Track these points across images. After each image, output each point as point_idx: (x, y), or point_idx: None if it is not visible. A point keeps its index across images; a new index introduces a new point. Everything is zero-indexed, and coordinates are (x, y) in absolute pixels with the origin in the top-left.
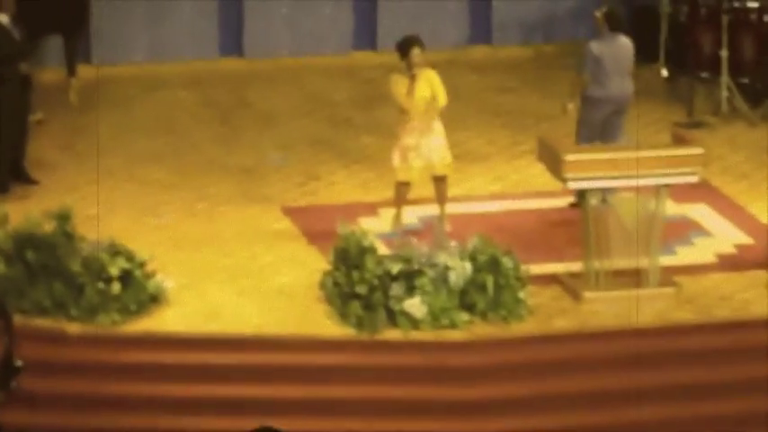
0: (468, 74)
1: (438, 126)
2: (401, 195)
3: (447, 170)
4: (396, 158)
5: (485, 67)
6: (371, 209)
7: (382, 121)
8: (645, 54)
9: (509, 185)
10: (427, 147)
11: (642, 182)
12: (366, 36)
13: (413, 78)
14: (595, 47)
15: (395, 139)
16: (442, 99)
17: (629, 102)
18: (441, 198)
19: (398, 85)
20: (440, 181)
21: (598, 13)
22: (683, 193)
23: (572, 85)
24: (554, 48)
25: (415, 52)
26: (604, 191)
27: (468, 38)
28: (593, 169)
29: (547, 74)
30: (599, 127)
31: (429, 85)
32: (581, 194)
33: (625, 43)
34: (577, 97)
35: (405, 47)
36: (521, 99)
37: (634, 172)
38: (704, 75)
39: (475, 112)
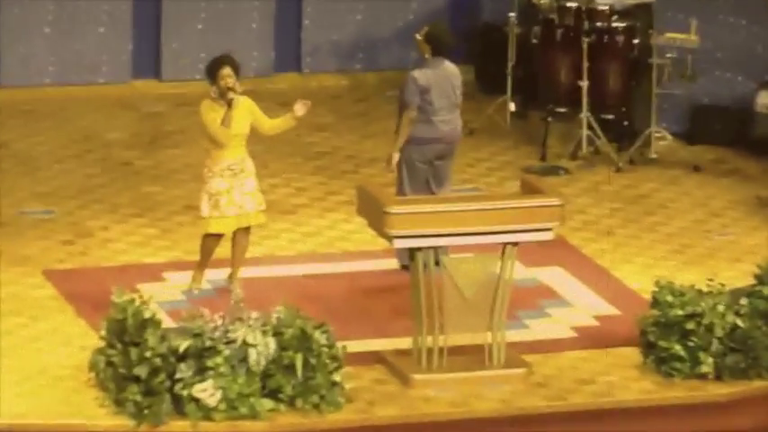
0: (272, 107)
1: (250, 164)
2: (208, 251)
3: (262, 219)
4: (205, 207)
5: (293, 99)
6: (154, 272)
7: (169, 166)
8: (488, 85)
9: (322, 244)
10: (240, 191)
11: (485, 239)
12: (147, 63)
13: (229, 106)
14: (421, 76)
15: (201, 183)
16: (268, 124)
17: (458, 142)
18: (239, 255)
19: (211, 112)
20: (245, 233)
21: (419, 36)
22: (536, 252)
23: (401, 127)
24: (376, 77)
25: (226, 73)
26: (438, 250)
27: (273, 64)
28: (424, 224)
29: (367, 108)
30: (427, 173)
31: (248, 117)
32: (410, 255)
33: (452, 71)
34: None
35: (212, 68)
36: (336, 138)
37: (475, 227)
38: (560, 110)
39: (281, 154)
